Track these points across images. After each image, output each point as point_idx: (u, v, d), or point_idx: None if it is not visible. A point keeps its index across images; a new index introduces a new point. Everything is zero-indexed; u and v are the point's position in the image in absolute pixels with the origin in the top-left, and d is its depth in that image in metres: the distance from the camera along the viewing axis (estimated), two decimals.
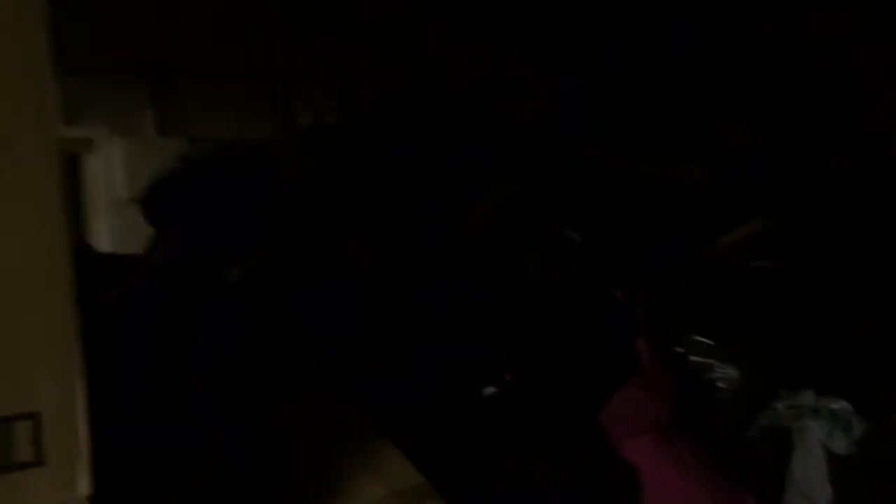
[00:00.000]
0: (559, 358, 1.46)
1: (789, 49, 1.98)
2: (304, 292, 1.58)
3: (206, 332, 1.38)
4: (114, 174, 2.35)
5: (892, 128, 1.97)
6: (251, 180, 1.87)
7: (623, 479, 1.30)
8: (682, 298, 1.61)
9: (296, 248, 1.72)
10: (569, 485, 1.27)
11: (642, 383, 1.44)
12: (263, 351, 1.40)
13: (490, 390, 1.41)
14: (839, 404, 1.39)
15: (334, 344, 1.45)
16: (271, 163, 1.98)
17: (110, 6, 2.13)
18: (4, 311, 0.72)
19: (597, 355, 1.48)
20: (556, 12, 2.21)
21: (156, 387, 1.21)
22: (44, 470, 0.74)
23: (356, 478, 1.09)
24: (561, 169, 1.77)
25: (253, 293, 1.55)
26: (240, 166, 1.91)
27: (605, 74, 1.87)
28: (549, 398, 1.41)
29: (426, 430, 1.27)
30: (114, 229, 2.31)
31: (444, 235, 1.76)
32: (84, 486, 0.76)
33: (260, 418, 1.25)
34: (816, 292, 1.60)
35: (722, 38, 1.99)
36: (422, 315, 1.55)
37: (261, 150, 1.98)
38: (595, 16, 2.15)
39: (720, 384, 1.51)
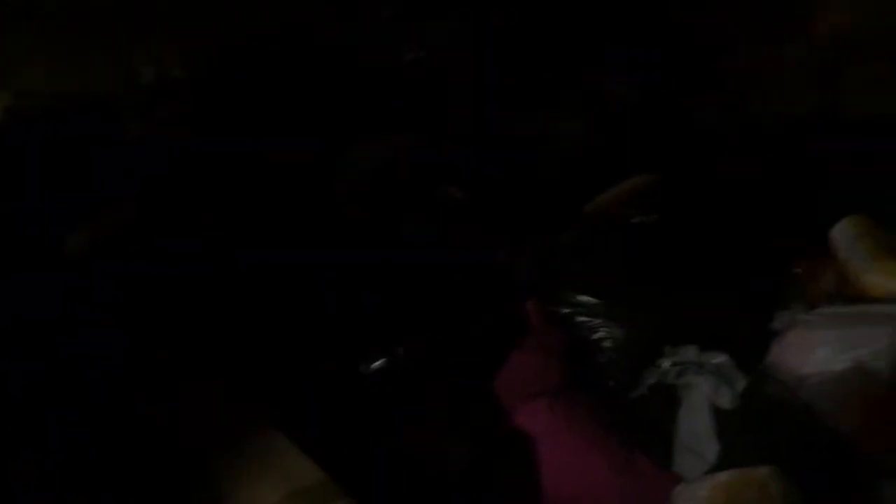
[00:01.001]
0: (446, 324, 1.39)
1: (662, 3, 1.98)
2: (158, 258, 1.42)
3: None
4: None
5: (752, 84, 2.02)
6: (90, 137, 1.68)
7: (518, 446, 1.25)
8: (567, 257, 1.58)
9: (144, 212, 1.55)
10: (466, 456, 1.21)
11: (533, 346, 1.40)
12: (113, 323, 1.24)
13: (378, 364, 1.33)
14: (721, 359, 1.41)
15: (198, 319, 1.31)
16: (112, 118, 1.78)
17: None
18: None
19: (484, 319, 1.42)
20: None
21: None
22: None
23: (247, 481, 0.96)
24: (439, 124, 1.69)
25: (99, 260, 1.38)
26: (76, 122, 1.71)
27: (481, 25, 1.79)
28: (439, 367, 1.34)
29: (314, 415, 1.16)
30: None
31: (311, 195, 1.64)
32: None
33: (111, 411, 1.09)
34: (695, 248, 1.60)
35: None
36: (292, 286, 1.43)
37: (99, 104, 1.77)
38: None
39: (606, 343, 1.50)
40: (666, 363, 1.44)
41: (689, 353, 1.44)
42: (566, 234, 1.62)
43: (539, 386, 1.33)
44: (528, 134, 1.75)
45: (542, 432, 1.27)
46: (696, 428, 1.34)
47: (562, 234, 1.61)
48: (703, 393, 1.37)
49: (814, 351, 1.45)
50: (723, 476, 1.16)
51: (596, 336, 1.51)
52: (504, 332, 1.42)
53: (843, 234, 1.60)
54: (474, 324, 1.42)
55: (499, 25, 1.79)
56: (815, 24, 1.93)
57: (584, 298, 1.53)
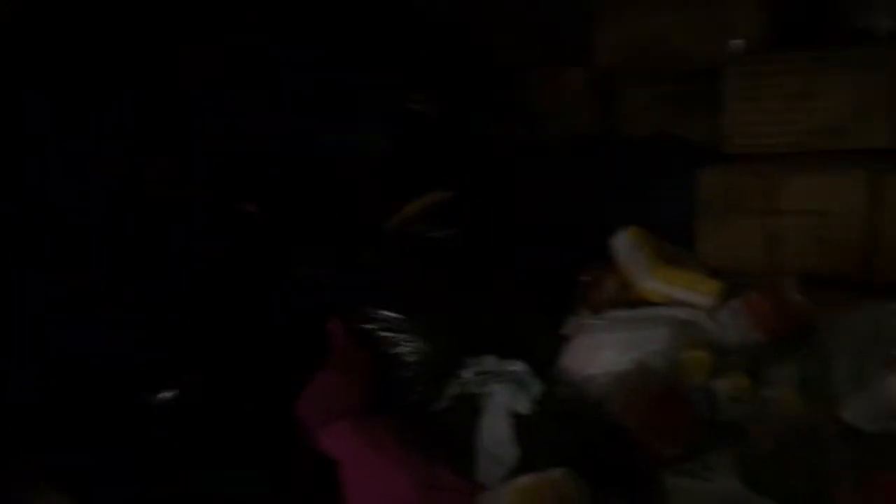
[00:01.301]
0: (244, 348, 1.33)
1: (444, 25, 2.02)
2: None
3: None
4: None
5: (540, 106, 2.13)
6: None
7: (323, 470, 1.22)
8: (367, 272, 1.57)
9: None
10: (267, 488, 1.16)
11: (336, 365, 1.37)
12: None
13: (166, 395, 1.23)
14: (518, 366, 1.46)
15: None
16: None
17: None
18: None
19: (286, 341, 1.38)
20: None
21: None
22: None
23: None
24: (232, 135, 1.61)
25: None
26: None
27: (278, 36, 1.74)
28: (237, 395, 1.28)
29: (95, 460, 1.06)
30: None
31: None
32: None
33: None
34: (489, 261, 1.66)
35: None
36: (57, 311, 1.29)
37: None
38: None
39: (409, 358, 1.51)
40: (468, 373, 1.47)
41: (489, 362, 1.48)
42: (367, 249, 1.61)
43: (342, 406, 1.31)
44: (328, 148, 1.73)
45: (346, 454, 1.25)
46: (496, 435, 1.38)
47: (362, 249, 1.60)
48: (503, 400, 1.41)
49: (599, 353, 1.54)
50: (521, 480, 1.20)
51: (399, 350, 1.51)
52: (307, 352, 1.39)
53: (622, 244, 1.72)
54: (274, 345, 1.37)
55: (294, 36, 1.75)
56: (596, 49, 2.07)
57: (386, 314, 1.53)
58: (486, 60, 1.99)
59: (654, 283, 1.65)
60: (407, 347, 1.51)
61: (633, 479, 1.26)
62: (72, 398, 1.19)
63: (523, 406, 1.40)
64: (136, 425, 1.19)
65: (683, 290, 1.64)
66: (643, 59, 2.02)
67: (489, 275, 1.64)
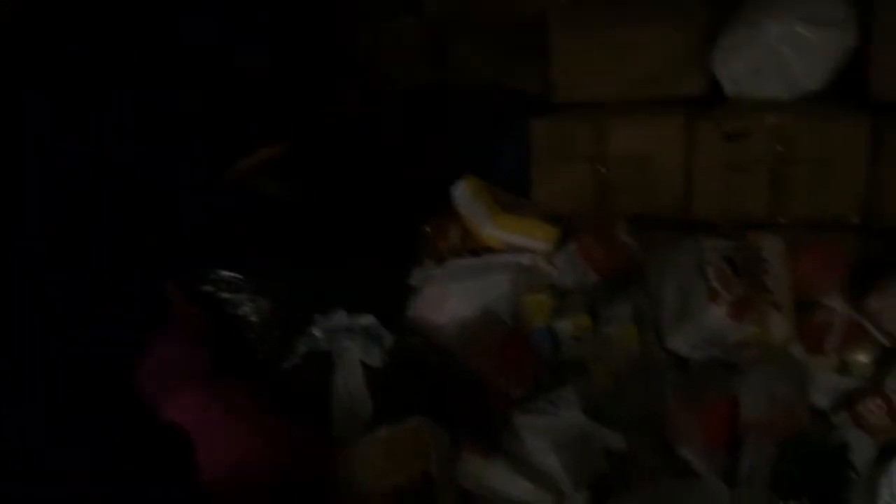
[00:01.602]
0: (70, 318, 1.22)
1: None
2: None
3: None
4: None
5: (374, 59, 2.09)
6: None
7: (169, 442, 1.15)
8: (201, 232, 1.48)
9: None
10: (110, 468, 1.07)
11: (177, 331, 1.29)
12: None
13: None
14: (367, 320, 1.44)
15: None
16: None
17: None
18: None
19: (116, 308, 1.28)
20: None
21: None
22: None
23: None
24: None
25: None
26: None
27: None
28: (66, 369, 1.17)
29: None
30: None
31: None
32: None
33: None
34: (332, 215, 1.62)
35: None
36: None
37: None
38: None
39: (253, 318, 1.45)
40: (317, 330, 1.44)
41: (338, 318, 1.46)
42: (199, 207, 1.52)
43: (186, 374, 1.24)
44: (155, 103, 1.60)
45: (195, 423, 1.19)
46: (350, 389, 1.37)
47: (195, 207, 1.51)
48: (354, 355, 1.40)
49: (446, 303, 1.56)
50: (379, 432, 1.20)
51: (242, 311, 1.45)
52: (142, 321, 1.29)
53: (461, 194, 1.74)
54: (104, 313, 1.26)
55: None
56: (425, 2, 2.05)
57: (225, 274, 1.46)
58: (321, 12, 1.91)
59: (495, 230, 1.69)
60: (250, 308, 1.45)
61: (485, 420, 1.29)
62: None
63: (375, 359, 1.40)
64: None
65: (522, 237, 1.69)
66: (473, 9, 2.03)
67: (330, 230, 1.61)
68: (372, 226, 1.64)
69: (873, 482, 1.23)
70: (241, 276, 1.46)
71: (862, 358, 1.44)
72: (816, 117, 1.57)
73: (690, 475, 1.19)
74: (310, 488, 1.15)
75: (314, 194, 1.66)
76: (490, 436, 1.27)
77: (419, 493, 1.10)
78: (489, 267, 1.65)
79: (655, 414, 1.31)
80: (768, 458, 1.21)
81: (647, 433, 1.31)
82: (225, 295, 1.45)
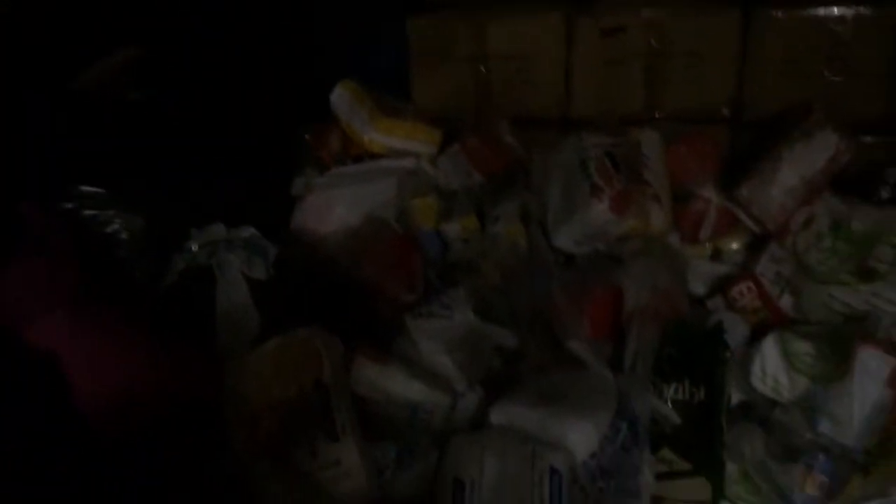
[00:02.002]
0: None
1: None
2: None
3: None
4: None
5: None
6: None
7: (35, 368, 1.07)
8: (57, 144, 1.35)
9: None
10: None
11: (35, 253, 1.18)
12: None
13: None
14: (249, 232, 1.38)
15: None
16: None
17: None
18: None
19: None
20: None
21: None
22: None
23: None
24: None
25: None
26: None
27: None
28: None
29: None
30: None
31: None
32: None
33: None
34: (201, 122, 1.52)
35: None
36: None
37: None
38: None
39: (123, 235, 1.35)
40: (194, 245, 1.37)
41: (216, 231, 1.39)
42: (50, 116, 1.38)
43: (50, 297, 1.14)
44: None
45: (65, 347, 1.10)
46: (234, 303, 1.32)
47: (44, 116, 1.37)
48: (237, 268, 1.34)
49: (331, 211, 1.52)
50: (268, 344, 1.16)
51: (111, 229, 1.35)
52: None
53: (340, 98, 1.67)
54: None
55: None
56: None
57: (88, 189, 1.35)
58: None
59: (376, 135, 1.64)
60: (119, 225, 1.35)
61: (377, 326, 1.28)
62: None
63: (259, 271, 1.34)
64: None
65: (405, 141, 1.65)
66: None
67: (201, 139, 1.51)
68: (245, 134, 1.55)
69: (746, 360, 1.31)
70: (106, 191, 1.35)
71: (734, 245, 1.51)
72: (690, 12, 1.58)
73: (578, 366, 1.22)
74: (197, 409, 1.11)
75: (181, 100, 1.54)
76: (382, 341, 1.25)
77: (313, 402, 1.07)
78: (373, 173, 1.60)
79: (544, 310, 1.33)
80: (651, 344, 1.26)
81: (536, 329, 1.33)
82: (90, 212, 1.34)
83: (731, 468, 1.24)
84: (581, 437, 1.08)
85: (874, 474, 1.23)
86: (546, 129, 1.66)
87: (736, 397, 1.33)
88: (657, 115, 1.62)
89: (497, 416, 1.15)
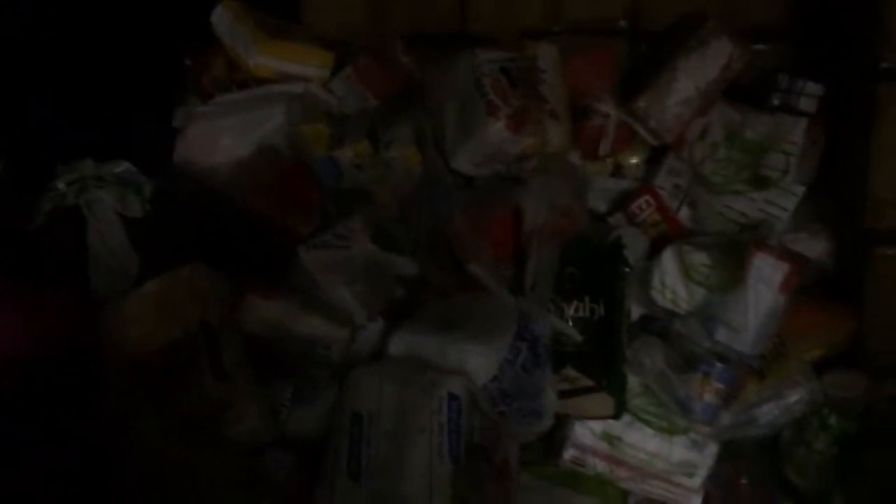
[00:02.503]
0: None
1: None
2: None
3: None
4: None
5: None
6: None
7: None
8: None
9: None
10: None
11: None
12: None
13: None
14: (122, 167, 1.29)
15: None
16: None
17: None
18: None
19: None
20: None
21: None
22: None
23: None
24: None
25: None
26: None
27: None
28: None
29: None
30: None
31: None
32: None
33: None
34: (73, 52, 1.38)
35: None
36: None
37: None
38: None
39: None
40: (61, 183, 1.27)
41: (86, 167, 1.29)
42: None
43: None
44: None
45: None
46: (109, 244, 1.23)
47: None
48: (109, 206, 1.25)
49: (218, 141, 1.43)
50: (148, 285, 1.09)
51: None
52: None
53: (221, 20, 1.55)
54: None
55: None
56: None
57: None
58: None
59: (263, 59, 1.53)
60: None
61: (268, 261, 1.22)
62: None
63: (134, 209, 1.26)
64: None
65: (294, 64, 1.55)
66: None
67: (68, 67, 1.38)
68: (118, 60, 1.43)
69: (645, 274, 1.31)
70: None
71: (634, 160, 1.50)
72: None
73: (480, 290, 1.20)
74: (74, 359, 1.04)
75: (44, 26, 1.41)
76: (275, 276, 1.20)
77: (198, 343, 1.02)
78: (261, 99, 1.50)
79: (444, 235, 1.30)
80: (550, 263, 1.24)
81: (436, 255, 1.30)
82: None
83: (633, 381, 1.26)
84: (480, 362, 1.06)
85: (769, 378, 1.26)
86: (440, 46, 1.58)
87: (637, 311, 1.34)
88: (554, 29, 1.57)
89: (395, 345, 1.12)
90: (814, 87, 1.34)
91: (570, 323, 1.21)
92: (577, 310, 1.22)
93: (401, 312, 1.25)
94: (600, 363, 1.20)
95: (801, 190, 1.34)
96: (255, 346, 1.11)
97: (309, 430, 1.10)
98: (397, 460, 0.99)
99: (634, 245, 1.34)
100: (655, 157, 1.47)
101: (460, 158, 1.39)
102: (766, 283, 1.24)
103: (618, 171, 1.51)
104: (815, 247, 1.36)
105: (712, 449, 1.24)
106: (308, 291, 1.21)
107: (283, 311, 1.14)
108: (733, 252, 1.27)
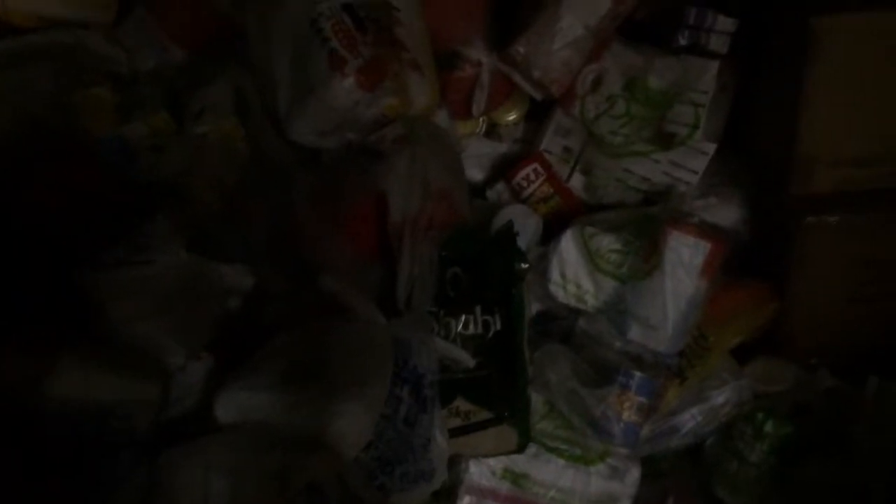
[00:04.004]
0: None
1: None
2: None
3: None
4: None
5: None
6: None
7: None
8: None
9: None
10: None
11: None
12: None
13: None
14: None
15: None
16: None
17: None
18: None
19: None
20: None
21: None
22: None
23: None
24: None
25: None
26: None
27: None
28: None
29: None
30: None
31: None
32: None
33: None
34: None
35: None
36: None
37: None
38: None
39: None
40: None
41: None
42: None
43: None
44: None
45: None
46: None
47: None
48: None
49: None
50: None
51: None
52: None
53: None
54: None
55: None
56: None
57: None
58: None
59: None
60: None
61: (33, 303, 0.87)
62: None
63: None
64: None
65: (63, 6, 1.17)
66: None
67: None
68: None
69: (541, 262, 1.07)
70: None
71: (512, 116, 1.23)
72: None
73: (341, 310, 0.90)
74: None
75: None
76: (44, 323, 0.85)
77: None
78: (16, 55, 1.12)
79: (286, 232, 1.00)
80: (429, 265, 0.97)
81: (279, 260, 0.99)
82: None
83: (536, 400, 1.03)
84: (349, 427, 0.78)
85: (691, 379, 1.07)
86: None
87: (533, 307, 1.10)
88: None
89: (224, 409, 0.81)
90: (725, 22, 1.11)
91: (460, 343, 0.95)
92: (466, 325, 0.96)
93: (237, 342, 0.94)
94: (499, 391, 0.96)
95: (712, 148, 1.13)
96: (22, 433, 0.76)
97: None
98: None
99: (525, 228, 1.10)
100: (539, 115, 1.22)
101: (299, 127, 1.07)
102: (685, 267, 1.04)
103: (492, 130, 1.25)
104: (727, 214, 1.16)
105: (634, 475, 1.04)
106: (99, 334, 0.87)
107: (59, 375, 0.80)
108: (645, 230, 1.06)
